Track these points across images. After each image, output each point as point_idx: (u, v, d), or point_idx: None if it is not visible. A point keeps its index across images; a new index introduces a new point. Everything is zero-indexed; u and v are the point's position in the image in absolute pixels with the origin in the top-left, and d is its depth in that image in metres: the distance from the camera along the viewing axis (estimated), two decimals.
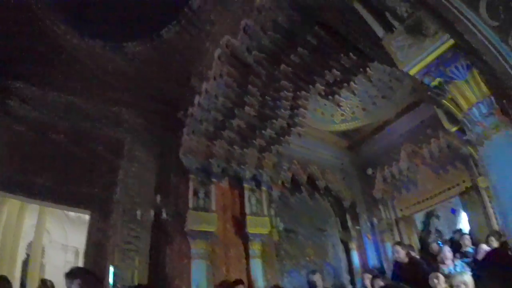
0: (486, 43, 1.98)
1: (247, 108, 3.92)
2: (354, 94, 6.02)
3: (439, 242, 5.83)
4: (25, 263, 11.16)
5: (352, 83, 4.13)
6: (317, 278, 4.71)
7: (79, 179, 4.69)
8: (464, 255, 4.76)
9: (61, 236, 14.01)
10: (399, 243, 4.75)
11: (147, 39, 4.93)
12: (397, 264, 4.49)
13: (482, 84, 2.23)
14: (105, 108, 5.08)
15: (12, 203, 7.11)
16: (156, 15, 4.78)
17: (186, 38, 4.74)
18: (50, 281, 4.50)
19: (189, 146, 4.21)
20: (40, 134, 4.96)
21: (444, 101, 2.33)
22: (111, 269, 4.34)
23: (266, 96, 4.07)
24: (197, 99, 4.09)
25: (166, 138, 4.95)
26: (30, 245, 11.17)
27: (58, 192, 4.65)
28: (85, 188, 4.65)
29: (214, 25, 4.42)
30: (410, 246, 5.45)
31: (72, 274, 2.73)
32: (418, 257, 4.95)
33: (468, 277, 2.84)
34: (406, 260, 4.29)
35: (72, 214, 11.94)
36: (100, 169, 4.76)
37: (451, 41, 2.14)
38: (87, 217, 5.55)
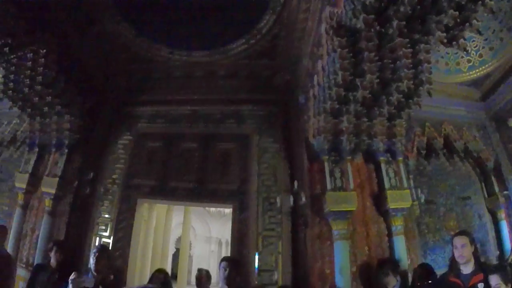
0: None
1: (368, 76, 3.62)
2: (480, 34, 5.04)
3: None
4: (175, 256, 13.26)
5: (474, 21, 3.36)
6: None
7: (217, 178, 5.15)
8: None
9: (205, 229, 16.23)
10: None
11: (247, 36, 5.05)
12: None
13: None
14: (225, 109, 5.48)
15: (160, 207, 8.38)
16: (247, 11, 4.81)
17: (285, 23, 4.70)
18: (206, 270, 5.10)
19: (317, 127, 4.16)
20: (174, 145, 5.64)
21: None
22: (256, 255, 4.67)
23: (384, 60, 3.67)
24: (315, 79, 4.00)
25: (290, 124, 5.08)
26: (178, 240, 13.17)
27: (200, 192, 5.20)
28: (223, 185, 5.09)
29: (310, 1, 4.25)
30: None
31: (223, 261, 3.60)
32: None
33: None
34: None
35: (212, 209, 13.67)
36: (234, 165, 5.16)
37: None
38: (226, 210, 6.22)
